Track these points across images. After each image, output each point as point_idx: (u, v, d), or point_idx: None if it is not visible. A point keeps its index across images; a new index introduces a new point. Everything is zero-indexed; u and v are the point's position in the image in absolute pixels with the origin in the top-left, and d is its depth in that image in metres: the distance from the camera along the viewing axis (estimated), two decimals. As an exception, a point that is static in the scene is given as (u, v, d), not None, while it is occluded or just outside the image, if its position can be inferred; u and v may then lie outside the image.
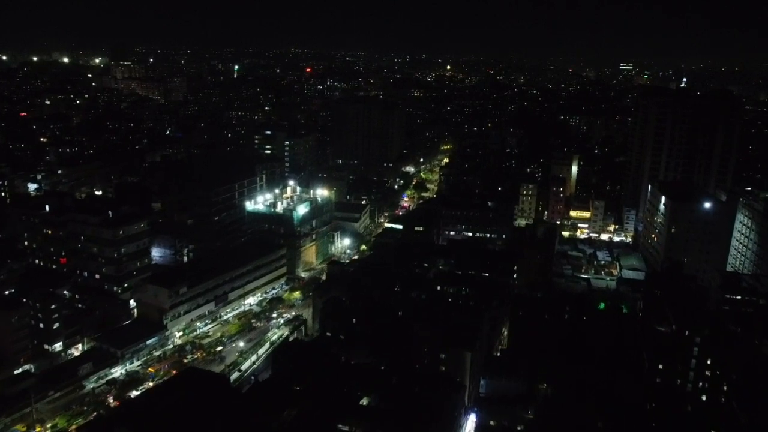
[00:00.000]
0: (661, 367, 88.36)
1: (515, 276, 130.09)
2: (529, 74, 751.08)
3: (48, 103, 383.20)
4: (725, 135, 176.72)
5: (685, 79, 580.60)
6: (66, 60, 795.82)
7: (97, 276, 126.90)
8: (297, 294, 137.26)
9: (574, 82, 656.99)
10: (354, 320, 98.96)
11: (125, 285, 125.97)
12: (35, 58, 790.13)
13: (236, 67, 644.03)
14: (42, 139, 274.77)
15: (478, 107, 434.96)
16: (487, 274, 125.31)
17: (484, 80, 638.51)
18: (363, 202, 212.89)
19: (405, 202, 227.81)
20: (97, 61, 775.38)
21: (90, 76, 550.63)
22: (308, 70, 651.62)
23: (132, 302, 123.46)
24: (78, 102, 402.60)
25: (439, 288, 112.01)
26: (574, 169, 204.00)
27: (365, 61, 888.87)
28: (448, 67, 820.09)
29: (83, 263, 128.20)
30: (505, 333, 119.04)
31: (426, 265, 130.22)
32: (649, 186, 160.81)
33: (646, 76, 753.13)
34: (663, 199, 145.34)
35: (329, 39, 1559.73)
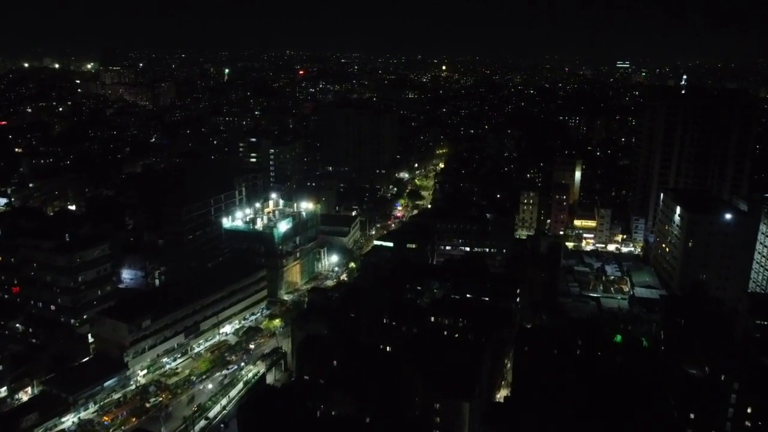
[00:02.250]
0: (693, 416, 75.52)
1: (518, 300, 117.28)
2: (525, 74, 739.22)
3: (29, 110, 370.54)
4: (740, 137, 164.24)
5: (685, 77, 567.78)
6: (57, 65, 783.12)
7: (53, 307, 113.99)
8: (277, 322, 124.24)
9: (571, 81, 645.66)
10: (335, 362, 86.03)
11: (84, 317, 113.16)
12: (26, 64, 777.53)
13: (226, 70, 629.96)
14: (17, 150, 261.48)
15: (475, 108, 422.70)
16: (487, 298, 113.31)
17: (480, 80, 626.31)
18: (353, 213, 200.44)
19: (398, 211, 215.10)
20: (89, 66, 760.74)
21: (78, 81, 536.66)
22: (301, 72, 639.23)
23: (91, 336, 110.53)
24: (61, 109, 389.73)
25: (433, 319, 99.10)
26: (578, 174, 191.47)
27: (360, 62, 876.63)
28: (444, 67, 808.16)
29: (37, 293, 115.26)
30: (509, 365, 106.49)
31: (419, 288, 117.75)
32: (661, 195, 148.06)
33: (644, 74, 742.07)
34: (678, 210, 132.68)
35: (325, 41, 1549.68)
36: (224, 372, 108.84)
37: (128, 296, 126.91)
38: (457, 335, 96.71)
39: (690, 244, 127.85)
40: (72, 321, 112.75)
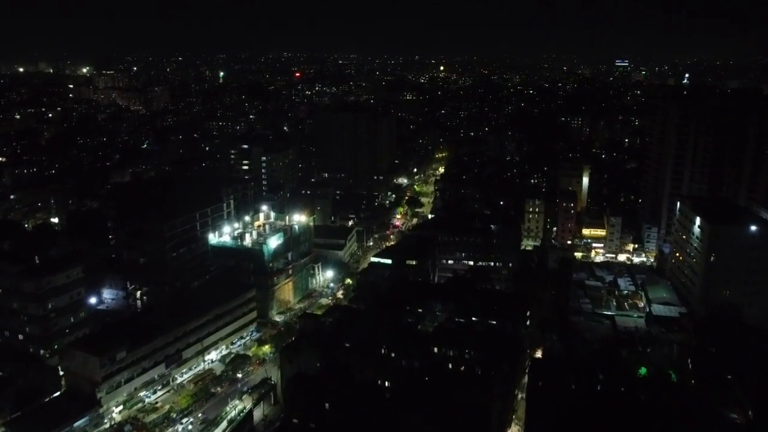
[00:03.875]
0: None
1: (528, 323, 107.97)
2: (524, 73, 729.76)
3: (18, 117, 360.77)
4: (757, 139, 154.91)
5: (687, 75, 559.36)
6: (51, 70, 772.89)
7: (21, 336, 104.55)
8: (266, 348, 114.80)
9: (571, 81, 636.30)
10: (327, 404, 76.61)
11: (55, 346, 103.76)
12: (21, 69, 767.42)
13: (221, 73, 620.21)
14: (1, 159, 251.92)
15: (474, 109, 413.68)
16: (494, 322, 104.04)
17: (479, 81, 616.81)
18: (350, 223, 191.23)
19: (397, 220, 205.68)
20: (84, 70, 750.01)
21: (71, 86, 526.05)
22: (297, 74, 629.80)
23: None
24: (50, 115, 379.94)
25: (436, 349, 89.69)
26: (585, 180, 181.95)
27: (358, 63, 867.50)
28: (442, 68, 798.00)
29: (4, 321, 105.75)
30: (520, 397, 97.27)
31: (420, 311, 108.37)
32: (678, 204, 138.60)
33: (644, 73, 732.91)
34: (698, 221, 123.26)
35: (322, 42, 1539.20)
36: (209, 405, 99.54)
37: (105, 322, 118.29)
38: (463, 367, 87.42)
39: (712, 258, 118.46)
40: (42, 351, 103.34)
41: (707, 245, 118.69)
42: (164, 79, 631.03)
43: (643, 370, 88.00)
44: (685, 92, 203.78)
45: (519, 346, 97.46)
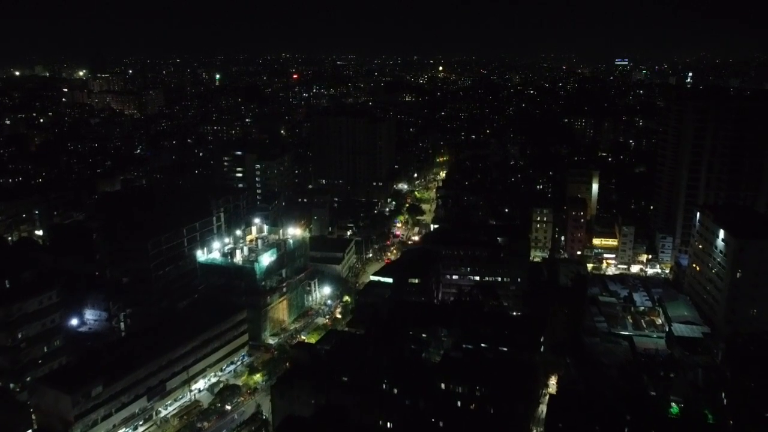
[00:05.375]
0: None
1: (542, 348, 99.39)
2: (523, 73, 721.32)
3: (8, 122, 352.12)
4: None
5: (690, 74, 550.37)
6: (47, 74, 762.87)
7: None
8: (258, 377, 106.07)
9: (571, 80, 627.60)
10: (322, 454, 68.10)
11: (27, 379, 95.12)
12: (17, 72, 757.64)
13: (217, 75, 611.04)
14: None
15: (475, 111, 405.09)
16: (505, 348, 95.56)
17: (478, 81, 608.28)
18: (348, 233, 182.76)
19: (397, 229, 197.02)
20: (80, 73, 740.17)
21: (65, 90, 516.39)
22: (295, 76, 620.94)
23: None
24: (41, 120, 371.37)
25: (443, 385, 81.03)
26: (595, 187, 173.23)
27: (356, 64, 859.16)
28: (440, 68, 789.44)
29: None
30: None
31: (424, 336, 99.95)
32: (698, 214, 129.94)
33: (644, 72, 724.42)
34: (722, 234, 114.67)
35: (320, 43, 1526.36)
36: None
37: (86, 347, 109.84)
38: (473, 405, 78.85)
39: (738, 275, 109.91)
40: (11, 386, 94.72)
41: (733, 260, 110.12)
42: (160, 81, 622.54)
43: (675, 409, 79.45)
44: (698, 93, 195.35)
45: (533, 378, 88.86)
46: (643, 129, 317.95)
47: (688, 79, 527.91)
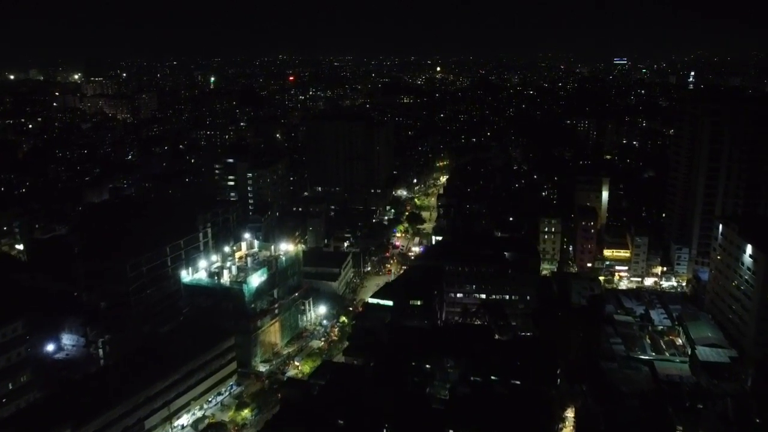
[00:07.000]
0: None
1: (558, 381, 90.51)
2: (522, 73, 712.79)
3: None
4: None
5: (693, 73, 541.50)
6: (41, 77, 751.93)
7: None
8: (246, 412, 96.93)
9: (571, 80, 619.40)
10: None
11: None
12: (12, 77, 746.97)
13: (212, 78, 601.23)
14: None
15: (474, 112, 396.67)
16: (518, 382, 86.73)
17: (477, 81, 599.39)
18: (346, 244, 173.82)
19: (397, 239, 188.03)
20: (75, 77, 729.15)
21: (57, 94, 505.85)
22: (291, 78, 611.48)
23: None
24: (30, 126, 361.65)
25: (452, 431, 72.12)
26: (605, 195, 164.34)
27: (353, 65, 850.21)
28: (438, 68, 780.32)
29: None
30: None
31: (428, 366, 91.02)
32: (720, 226, 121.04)
33: (644, 71, 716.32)
34: (749, 249, 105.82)
35: (318, 44, 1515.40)
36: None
37: (60, 378, 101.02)
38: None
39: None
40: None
41: (763, 278, 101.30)
42: (155, 85, 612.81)
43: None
44: (708, 94, 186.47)
45: (550, 416, 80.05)
46: (647, 130, 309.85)
47: (690, 78, 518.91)
